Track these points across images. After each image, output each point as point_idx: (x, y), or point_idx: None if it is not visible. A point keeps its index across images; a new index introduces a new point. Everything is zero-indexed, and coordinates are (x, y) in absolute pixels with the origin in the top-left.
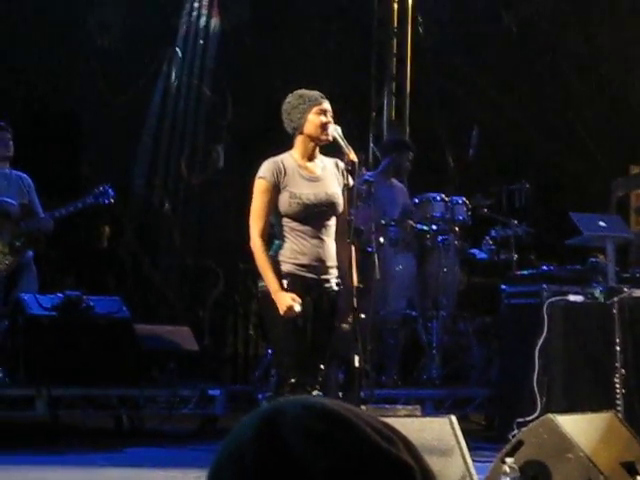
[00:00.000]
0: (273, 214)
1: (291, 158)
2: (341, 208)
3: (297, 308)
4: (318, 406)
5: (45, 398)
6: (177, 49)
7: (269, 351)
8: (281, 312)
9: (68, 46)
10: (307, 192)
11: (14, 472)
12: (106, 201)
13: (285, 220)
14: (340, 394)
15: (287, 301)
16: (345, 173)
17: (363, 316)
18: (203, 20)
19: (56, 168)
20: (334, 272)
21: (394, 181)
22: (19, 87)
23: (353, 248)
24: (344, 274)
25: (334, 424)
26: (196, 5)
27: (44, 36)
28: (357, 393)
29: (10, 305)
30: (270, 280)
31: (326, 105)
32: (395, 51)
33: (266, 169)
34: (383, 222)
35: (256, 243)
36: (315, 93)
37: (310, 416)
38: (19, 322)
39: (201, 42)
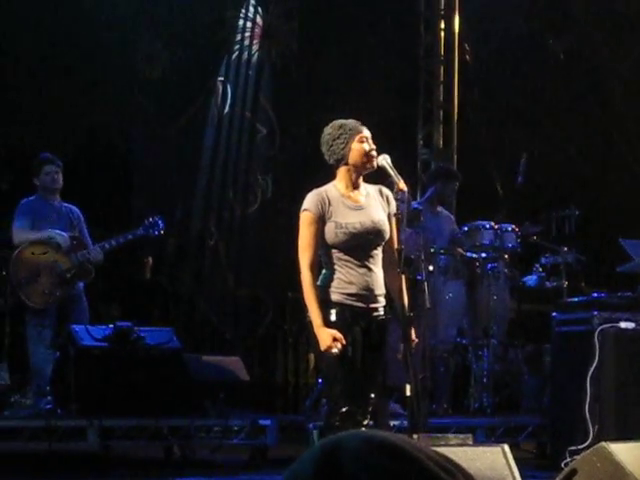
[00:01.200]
0: (320, 246)
1: (334, 189)
2: (387, 235)
3: (335, 350)
4: (378, 439)
5: (96, 429)
6: (225, 81)
7: (320, 380)
8: (321, 348)
9: (117, 78)
10: (353, 221)
11: None
12: (156, 232)
13: (332, 250)
14: (391, 424)
15: (327, 341)
16: (390, 199)
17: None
18: (252, 51)
19: (106, 200)
20: (382, 301)
21: (440, 209)
22: (68, 119)
23: (403, 277)
24: (395, 303)
25: (395, 457)
26: (245, 35)
27: (93, 68)
28: (409, 422)
29: (62, 336)
30: (315, 315)
31: (367, 132)
32: (442, 79)
33: (310, 201)
34: (432, 250)
35: (305, 276)
36: (353, 122)
37: (370, 450)
38: (70, 353)
39: (250, 73)
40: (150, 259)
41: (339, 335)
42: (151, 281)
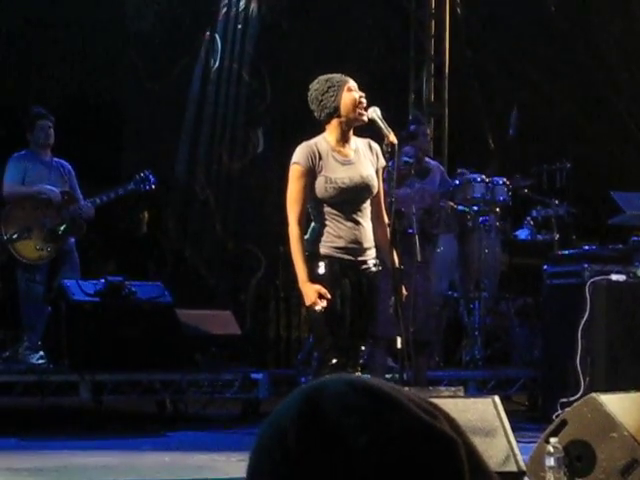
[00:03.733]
0: (309, 199)
1: (325, 142)
2: (376, 190)
3: (319, 307)
4: (359, 382)
5: (88, 384)
6: (215, 34)
7: (311, 334)
8: (306, 303)
9: (106, 32)
10: (342, 176)
11: (58, 457)
12: (147, 187)
13: (321, 204)
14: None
15: (312, 296)
16: (379, 153)
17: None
18: (242, 4)
19: (97, 155)
20: (372, 254)
21: (427, 160)
22: (58, 74)
23: (389, 230)
24: (384, 256)
25: (376, 399)
26: None
27: (82, 22)
28: (400, 374)
29: (53, 291)
30: (300, 269)
31: (353, 83)
32: (433, 32)
33: (300, 154)
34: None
35: (293, 230)
36: (338, 75)
37: (352, 392)
38: (62, 308)
39: (239, 27)
40: (145, 214)
41: (324, 291)
42: (144, 235)
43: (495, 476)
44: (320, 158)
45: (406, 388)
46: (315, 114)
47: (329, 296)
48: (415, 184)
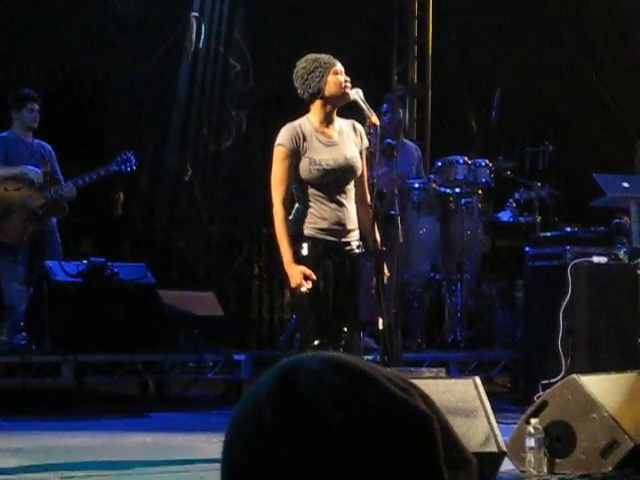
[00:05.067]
0: (294, 180)
1: (309, 123)
2: (359, 171)
3: (304, 288)
4: (334, 360)
5: (71, 364)
6: (199, 15)
7: (294, 315)
8: (291, 285)
9: (91, 14)
10: (326, 157)
11: (41, 438)
12: (129, 168)
13: (305, 186)
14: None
15: (297, 278)
16: (363, 135)
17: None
18: None
19: (79, 135)
20: (355, 235)
21: (405, 141)
22: (41, 55)
23: (372, 211)
24: (367, 237)
25: (351, 376)
26: None
27: (66, 5)
28: (381, 355)
29: (35, 272)
30: (285, 250)
31: (340, 66)
32: (417, 15)
33: (284, 136)
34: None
35: (278, 212)
36: (327, 56)
37: (327, 369)
38: (44, 289)
39: (224, 9)
40: (121, 195)
41: (309, 272)
42: (124, 217)
43: (469, 452)
44: (304, 139)
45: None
46: (298, 91)
47: (314, 277)
48: (383, 165)
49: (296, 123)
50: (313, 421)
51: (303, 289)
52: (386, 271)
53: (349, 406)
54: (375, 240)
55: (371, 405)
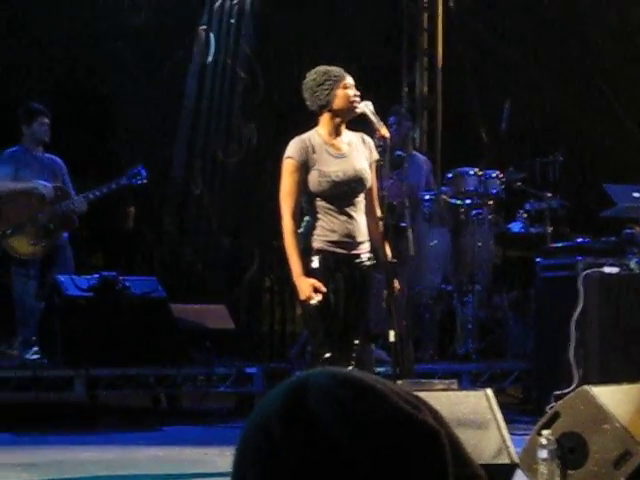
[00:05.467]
0: (303, 193)
1: (318, 135)
2: (369, 183)
3: (314, 301)
4: (343, 375)
5: (83, 379)
6: (209, 29)
7: (305, 328)
8: (301, 297)
9: (100, 26)
10: (336, 169)
11: (53, 452)
12: (139, 182)
13: (315, 198)
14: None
15: (307, 290)
16: (372, 148)
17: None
18: None
19: (90, 150)
20: (365, 247)
21: (414, 153)
22: (52, 70)
23: (382, 224)
24: (377, 249)
25: (359, 392)
26: None
27: (75, 16)
28: (393, 368)
29: (47, 287)
30: (294, 263)
31: (350, 80)
32: (426, 25)
33: (293, 148)
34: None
35: (287, 224)
36: (337, 69)
37: (335, 385)
38: (56, 303)
39: (233, 21)
40: (132, 208)
41: (319, 284)
42: (135, 230)
43: (478, 466)
44: (314, 152)
45: (399, 381)
46: (307, 103)
47: (324, 290)
48: (392, 176)
49: (305, 136)
50: (322, 436)
51: (313, 302)
52: (397, 284)
53: (358, 422)
54: (385, 253)
55: (380, 420)
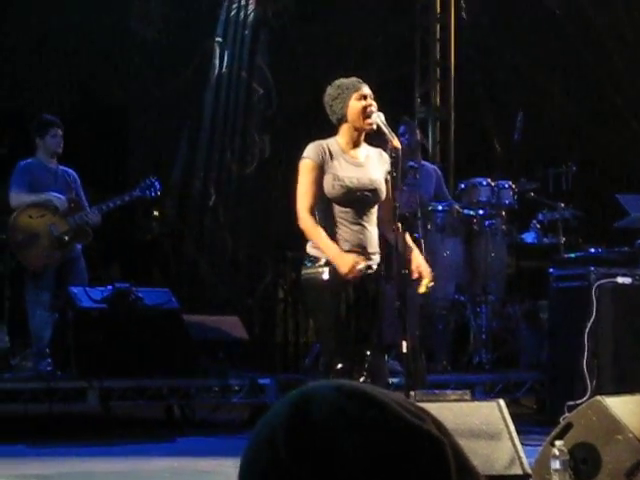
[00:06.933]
0: (318, 197)
1: (336, 143)
2: (384, 195)
3: (361, 265)
4: (347, 387)
5: (96, 390)
6: (221, 40)
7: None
8: (345, 272)
9: (113, 38)
10: (351, 175)
11: (66, 464)
12: (153, 194)
13: (329, 206)
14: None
15: (350, 261)
16: (389, 163)
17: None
18: (247, 10)
19: (103, 161)
20: (376, 258)
21: (423, 163)
22: (65, 81)
23: (399, 234)
24: (390, 259)
25: (364, 403)
26: None
27: (88, 29)
28: (406, 378)
29: (60, 298)
30: (328, 247)
31: (365, 90)
32: (439, 37)
33: (311, 150)
34: (430, 208)
35: (304, 218)
36: (353, 80)
37: (340, 397)
38: (69, 315)
39: (246, 33)
40: (157, 212)
41: (358, 259)
42: (150, 242)
43: (481, 476)
44: (331, 157)
45: (412, 392)
46: (329, 117)
47: (363, 263)
48: (404, 187)
49: (324, 141)
50: (327, 450)
51: (361, 265)
52: (423, 284)
53: (363, 433)
54: (399, 263)
55: (385, 431)
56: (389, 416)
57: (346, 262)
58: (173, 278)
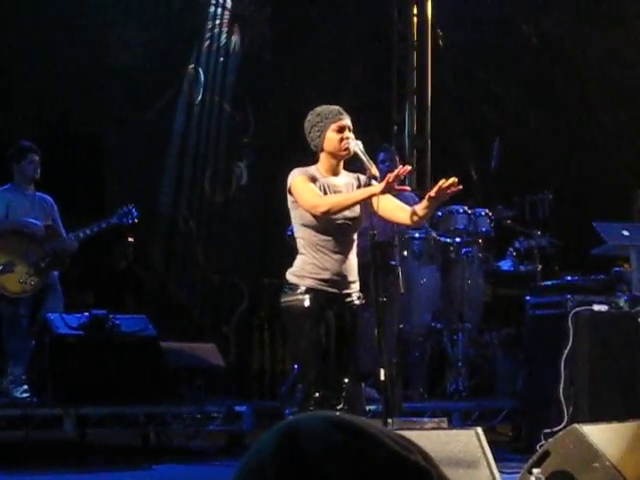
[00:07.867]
0: (297, 225)
1: (317, 171)
2: (362, 224)
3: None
4: (335, 418)
5: (73, 417)
6: (198, 68)
7: (295, 366)
8: (382, 190)
9: (89, 65)
10: None
11: None
12: (130, 221)
13: (308, 233)
14: (367, 408)
15: (384, 183)
16: (365, 183)
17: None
18: (223, 38)
19: (80, 188)
20: (355, 287)
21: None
22: (40, 106)
23: (375, 263)
24: (367, 286)
25: (353, 434)
26: (217, 23)
27: (65, 54)
28: (384, 406)
29: (37, 325)
30: (361, 193)
31: (345, 121)
32: (415, 65)
33: (298, 172)
34: (406, 236)
35: (319, 204)
36: (334, 109)
37: (328, 428)
38: (46, 342)
39: (222, 60)
40: (131, 239)
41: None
42: (124, 268)
43: None
44: (314, 182)
45: (389, 420)
46: (308, 143)
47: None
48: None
49: (306, 168)
50: (316, 479)
51: (391, 178)
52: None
53: (351, 465)
54: (376, 290)
55: (373, 462)
56: (377, 447)
57: (381, 184)
58: (148, 305)
